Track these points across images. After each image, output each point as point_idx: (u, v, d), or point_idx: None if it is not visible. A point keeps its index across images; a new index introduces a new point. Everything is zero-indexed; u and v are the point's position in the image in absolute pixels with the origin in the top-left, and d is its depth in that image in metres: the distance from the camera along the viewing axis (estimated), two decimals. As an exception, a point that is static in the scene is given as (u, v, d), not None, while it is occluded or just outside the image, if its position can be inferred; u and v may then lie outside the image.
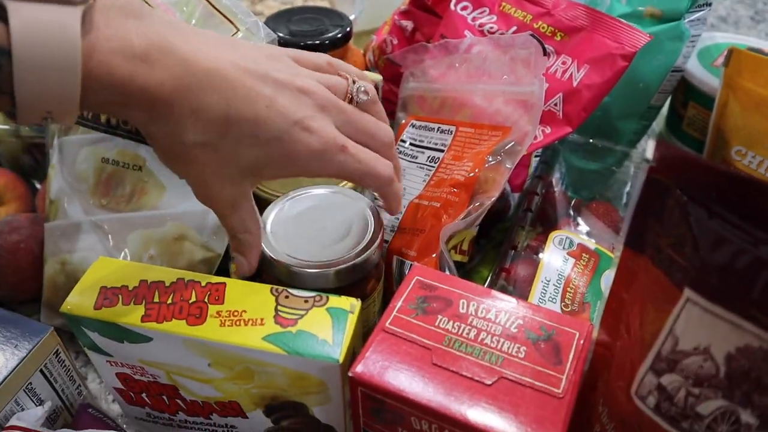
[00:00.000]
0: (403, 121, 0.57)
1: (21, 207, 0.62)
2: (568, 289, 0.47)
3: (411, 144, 0.55)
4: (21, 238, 0.54)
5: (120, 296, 0.38)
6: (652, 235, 0.28)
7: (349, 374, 0.32)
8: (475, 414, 0.30)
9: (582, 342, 0.33)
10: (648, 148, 0.27)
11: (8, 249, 0.54)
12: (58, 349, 0.44)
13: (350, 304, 0.38)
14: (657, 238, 0.28)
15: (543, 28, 0.54)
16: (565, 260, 0.49)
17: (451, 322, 0.34)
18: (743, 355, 0.25)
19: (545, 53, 0.49)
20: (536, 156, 0.58)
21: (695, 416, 0.26)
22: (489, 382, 0.31)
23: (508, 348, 0.33)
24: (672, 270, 0.27)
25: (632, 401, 0.29)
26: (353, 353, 0.36)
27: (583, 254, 0.49)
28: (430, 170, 0.52)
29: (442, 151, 0.52)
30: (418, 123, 0.55)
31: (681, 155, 0.26)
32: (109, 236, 0.50)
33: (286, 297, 0.38)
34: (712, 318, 0.25)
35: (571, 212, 0.56)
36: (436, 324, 0.34)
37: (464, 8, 0.57)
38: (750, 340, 0.25)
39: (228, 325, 0.36)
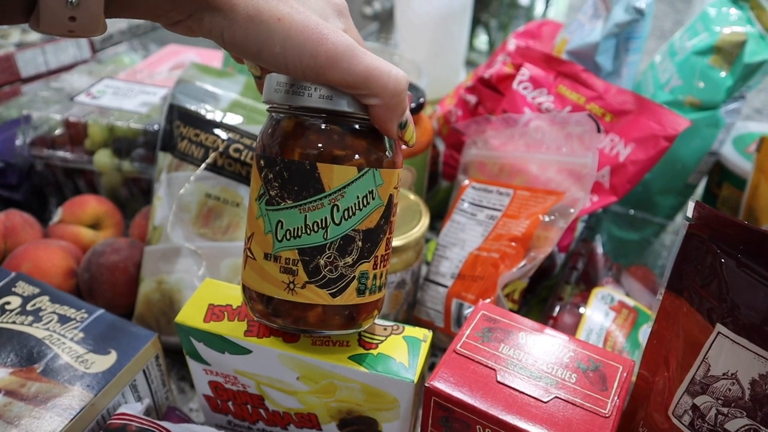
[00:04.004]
0: (464, 183, 0.64)
1: (116, 232, 0.70)
2: (609, 338, 0.52)
3: (470, 203, 0.62)
4: (120, 258, 0.61)
5: (226, 313, 0.44)
6: (689, 279, 0.34)
7: (426, 385, 0.38)
8: (534, 426, 0.36)
9: (625, 374, 0.39)
10: (688, 208, 0.33)
11: (108, 267, 0.61)
12: (158, 355, 0.50)
13: (423, 333, 0.43)
14: (693, 282, 0.34)
15: (595, 109, 0.61)
16: (606, 314, 0.54)
17: (512, 350, 0.40)
18: (765, 381, 0.30)
19: (599, 130, 0.56)
20: (582, 221, 0.65)
21: (723, 432, 0.32)
22: (545, 400, 0.37)
23: (561, 374, 0.39)
24: (705, 309, 0.33)
25: (669, 420, 0.34)
26: (423, 376, 0.42)
27: (623, 309, 0.55)
28: (488, 226, 0.58)
29: (500, 210, 0.59)
30: (478, 185, 0.62)
31: (715, 214, 0.32)
32: (204, 262, 0.57)
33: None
34: (739, 348, 0.31)
35: (612, 274, 0.62)
36: (500, 350, 0.40)
37: (525, 88, 0.65)
38: (770, 369, 0.30)
39: (318, 344, 0.42)
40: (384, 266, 0.39)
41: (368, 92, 0.33)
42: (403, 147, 0.39)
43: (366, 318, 0.40)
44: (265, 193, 0.37)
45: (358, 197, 0.36)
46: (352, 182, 0.36)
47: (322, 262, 0.36)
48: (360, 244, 0.37)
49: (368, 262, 0.38)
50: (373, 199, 0.37)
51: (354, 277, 0.37)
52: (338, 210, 0.36)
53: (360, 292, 0.38)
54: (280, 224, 0.37)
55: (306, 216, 0.36)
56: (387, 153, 0.37)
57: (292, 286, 0.37)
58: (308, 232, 0.36)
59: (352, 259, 0.37)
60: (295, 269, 0.37)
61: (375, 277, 0.39)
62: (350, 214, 0.36)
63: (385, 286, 0.41)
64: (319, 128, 0.36)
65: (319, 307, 0.38)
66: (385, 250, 0.39)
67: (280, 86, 0.35)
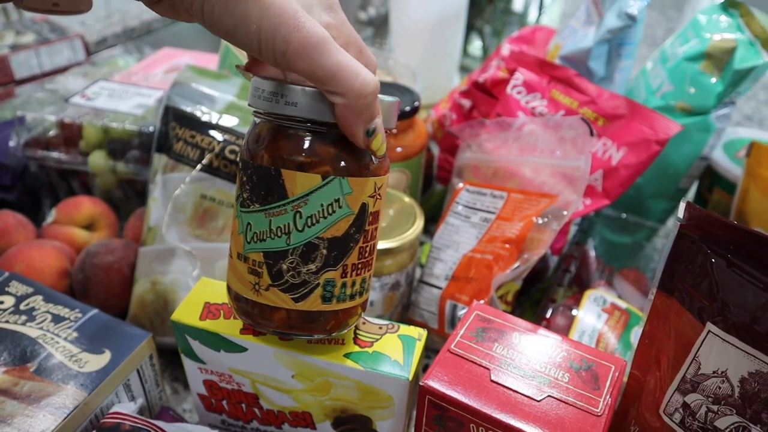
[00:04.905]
0: (459, 186, 0.64)
1: (110, 233, 0.70)
2: (601, 340, 0.53)
3: (464, 206, 0.62)
4: (114, 259, 0.61)
5: (222, 311, 0.44)
6: (680, 279, 0.35)
7: (420, 384, 0.39)
8: (528, 424, 0.36)
9: (617, 374, 0.39)
10: (679, 208, 0.34)
11: (102, 268, 0.61)
12: (152, 354, 0.50)
13: (418, 332, 0.44)
14: (684, 282, 0.34)
15: (588, 113, 0.62)
16: (598, 316, 0.55)
17: (506, 349, 0.41)
18: (754, 379, 0.31)
19: (592, 134, 0.57)
20: (575, 224, 0.65)
21: (714, 430, 0.32)
22: (539, 399, 0.37)
23: (555, 373, 0.39)
24: (696, 308, 0.33)
25: (661, 418, 0.35)
26: (417, 374, 0.42)
27: (615, 311, 0.55)
28: (482, 229, 0.59)
29: (494, 213, 0.59)
30: (472, 188, 0.63)
31: (706, 215, 0.33)
32: (199, 263, 0.57)
33: (363, 323, 0.44)
34: (729, 347, 0.31)
35: (604, 277, 0.63)
36: (493, 349, 0.41)
37: (519, 92, 0.65)
38: (760, 367, 0.31)
39: (313, 342, 0.42)
40: (358, 275, 0.39)
41: (334, 89, 0.32)
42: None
43: (336, 326, 0.40)
44: (240, 194, 0.38)
45: (322, 205, 0.36)
46: (316, 190, 0.35)
47: (284, 266, 0.37)
48: (325, 252, 0.37)
49: (335, 270, 0.37)
50: (340, 207, 0.36)
51: (318, 284, 0.37)
52: (301, 217, 0.36)
53: (325, 299, 0.38)
54: (249, 226, 0.37)
55: (270, 221, 0.36)
56: (361, 161, 0.36)
57: (257, 287, 0.38)
58: (272, 236, 0.36)
59: (316, 267, 0.37)
60: (260, 271, 0.37)
61: (344, 285, 0.38)
62: (314, 221, 0.36)
63: (362, 293, 0.40)
64: (287, 134, 0.36)
65: (283, 310, 0.38)
66: (359, 259, 0.38)
67: (256, 91, 0.36)
